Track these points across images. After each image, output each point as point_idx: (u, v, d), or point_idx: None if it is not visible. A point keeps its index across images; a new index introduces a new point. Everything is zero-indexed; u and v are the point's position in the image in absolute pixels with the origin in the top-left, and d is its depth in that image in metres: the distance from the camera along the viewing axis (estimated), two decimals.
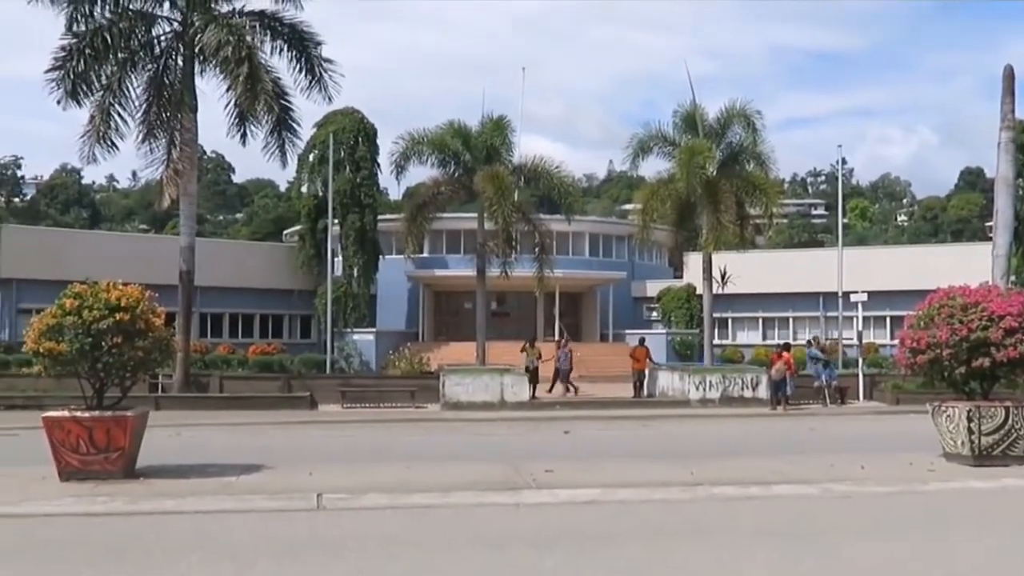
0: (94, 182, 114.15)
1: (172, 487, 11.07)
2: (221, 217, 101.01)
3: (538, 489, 11.19)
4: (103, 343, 11.38)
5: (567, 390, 29.85)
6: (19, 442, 16.86)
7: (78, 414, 11.57)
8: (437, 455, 15.46)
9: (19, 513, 9.85)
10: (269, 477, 11.81)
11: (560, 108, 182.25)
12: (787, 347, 29.44)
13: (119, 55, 27.81)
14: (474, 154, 33.98)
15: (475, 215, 34.85)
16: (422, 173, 36.81)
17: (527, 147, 79.94)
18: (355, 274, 43.72)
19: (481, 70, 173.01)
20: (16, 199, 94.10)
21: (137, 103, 28.33)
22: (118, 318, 11.47)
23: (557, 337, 38.12)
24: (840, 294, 34.86)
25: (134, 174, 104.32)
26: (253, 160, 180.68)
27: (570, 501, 10.67)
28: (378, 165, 44.25)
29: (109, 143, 27.83)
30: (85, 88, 27.57)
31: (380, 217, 44.93)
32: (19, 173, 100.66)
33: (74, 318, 11.39)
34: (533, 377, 28.72)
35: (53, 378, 12.79)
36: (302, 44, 29.43)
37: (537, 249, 34.70)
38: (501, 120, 34.86)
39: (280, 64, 29.23)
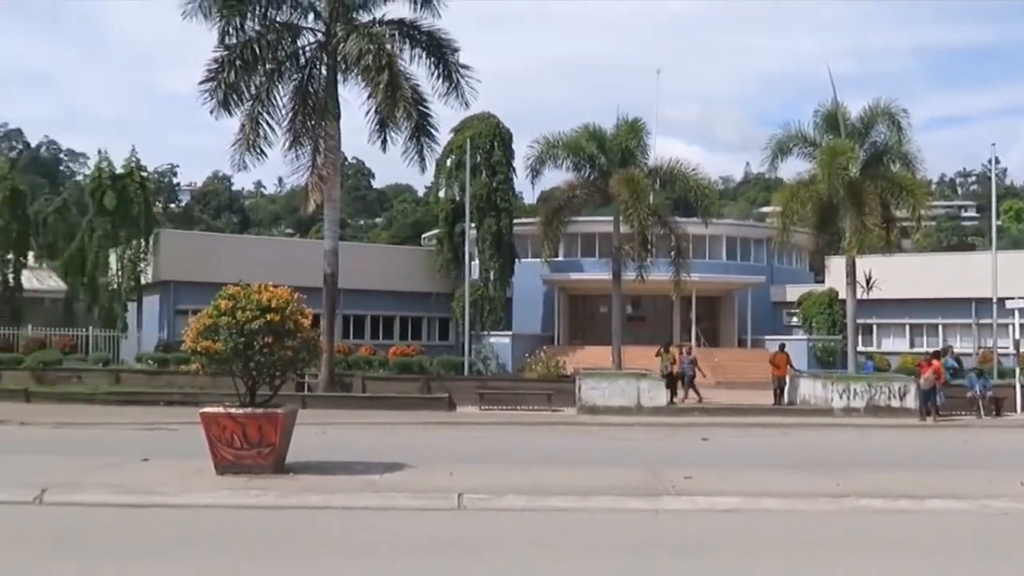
0: (243, 188, 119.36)
1: (319, 483, 11.43)
2: (362, 222, 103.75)
3: (677, 495, 11.07)
4: (255, 343, 11.82)
5: (698, 397, 29.37)
6: (177, 436, 17.73)
7: (232, 410, 12.06)
8: (574, 458, 15.48)
9: (180, 504, 10.39)
10: (411, 476, 12.07)
11: (695, 111, 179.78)
12: (937, 355, 28.22)
13: (267, 66, 28.81)
14: (609, 157, 33.92)
15: (610, 218, 34.73)
16: (557, 177, 37.02)
17: (662, 150, 79.01)
18: (491, 277, 44.17)
19: (614, 75, 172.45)
20: (172, 205, 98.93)
21: (283, 112, 29.27)
22: (269, 319, 11.89)
23: (690, 341, 37.52)
24: (995, 300, 33.19)
25: (280, 180, 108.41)
26: (392, 166, 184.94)
27: (710, 509, 10.53)
28: (513, 169, 44.56)
29: (258, 151, 28.78)
30: (236, 98, 28.63)
31: (516, 221, 45.24)
32: (175, 180, 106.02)
33: (228, 318, 11.86)
34: (670, 382, 28.42)
35: (209, 376, 13.37)
36: (440, 51, 29.92)
37: (673, 252, 34.37)
38: (636, 122, 34.69)
39: (418, 71, 29.81)
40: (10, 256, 40.30)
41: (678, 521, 9.98)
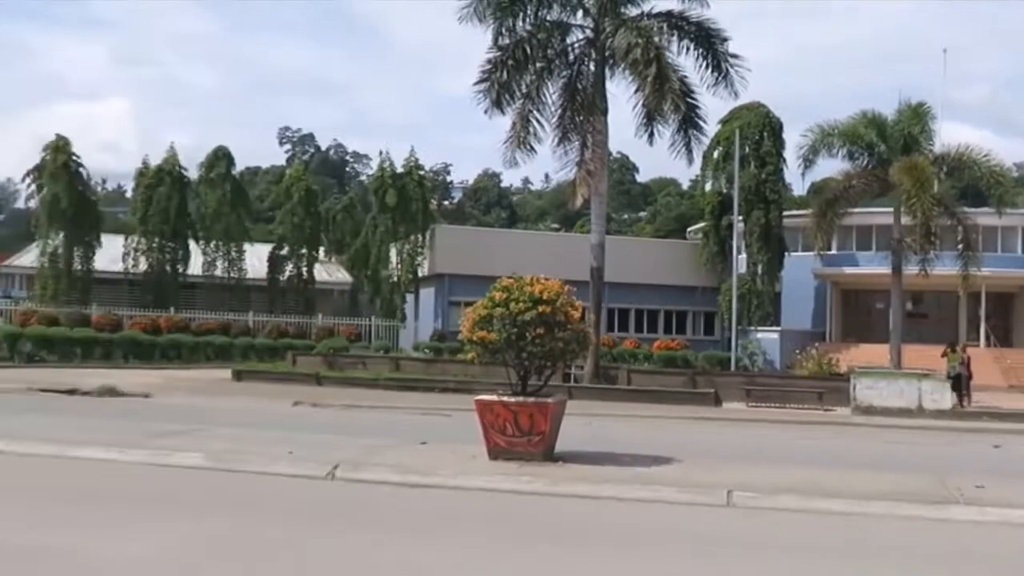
0: (511, 185, 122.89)
1: (587, 472, 11.59)
2: (626, 216, 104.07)
3: (967, 505, 10.28)
4: (527, 333, 12.12)
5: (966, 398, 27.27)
6: (451, 422, 18.58)
7: (505, 399, 12.45)
8: (849, 460, 14.74)
9: (456, 486, 10.88)
10: (678, 470, 11.97)
11: (984, 93, 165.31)
12: None
13: (537, 64, 29.57)
14: (889, 144, 32.24)
15: (889, 209, 32.96)
16: (830, 167, 35.55)
17: (946, 135, 73.53)
18: (759, 271, 43.12)
19: (886, 61, 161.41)
20: (446, 202, 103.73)
21: (552, 108, 29.98)
22: (541, 310, 12.14)
23: (977, 341, 34.84)
24: None
25: (546, 176, 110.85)
26: (656, 159, 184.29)
27: (1004, 521, 9.70)
28: (783, 160, 43.25)
29: (528, 148, 29.62)
30: (507, 97, 29.61)
31: (785, 213, 43.93)
32: (448, 178, 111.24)
33: (502, 309, 12.24)
34: (956, 384, 26.51)
35: (482, 365, 13.89)
36: (708, 41, 29.52)
37: (960, 245, 32.15)
38: (920, 107, 32.76)
39: (686, 62, 29.61)
40: (304, 251, 43.94)
41: (970, 533, 9.27)
